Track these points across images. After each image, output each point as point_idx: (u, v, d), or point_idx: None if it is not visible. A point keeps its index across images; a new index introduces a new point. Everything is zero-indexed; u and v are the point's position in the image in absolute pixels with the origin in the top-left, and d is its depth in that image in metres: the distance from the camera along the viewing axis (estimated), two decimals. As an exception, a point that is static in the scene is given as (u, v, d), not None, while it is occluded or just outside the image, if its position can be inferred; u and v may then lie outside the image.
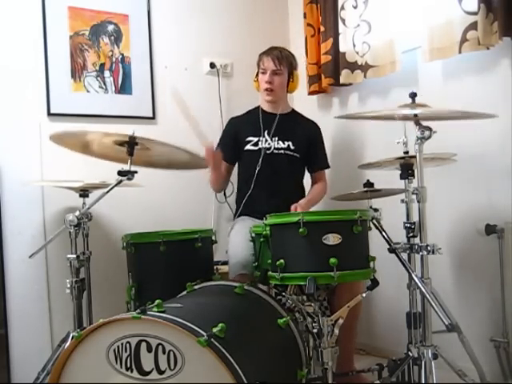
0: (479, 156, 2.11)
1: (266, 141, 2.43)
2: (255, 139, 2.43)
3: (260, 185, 2.39)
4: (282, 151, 2.42)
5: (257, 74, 2.50)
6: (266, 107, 2.50)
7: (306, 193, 2.53)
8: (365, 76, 2.51)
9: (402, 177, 1.90)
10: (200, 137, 2.13)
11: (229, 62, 2.94)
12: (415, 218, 1.76)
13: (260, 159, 2.38)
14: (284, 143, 2.43)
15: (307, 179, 2.56)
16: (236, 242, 2.19)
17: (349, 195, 1.98)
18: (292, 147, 2.43)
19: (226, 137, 2.52)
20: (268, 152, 2.41)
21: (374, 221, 1.77)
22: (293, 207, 2.15)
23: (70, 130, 1.79)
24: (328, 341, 1.58)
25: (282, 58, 2.41)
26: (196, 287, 1.82)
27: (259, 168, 2.38)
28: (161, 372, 1.29)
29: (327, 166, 2.55)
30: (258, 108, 2.53)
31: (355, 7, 2.57)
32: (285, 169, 2.42)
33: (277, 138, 2.43)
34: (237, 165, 2.53)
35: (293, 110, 2.58)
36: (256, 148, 2.42)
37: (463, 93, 2.18)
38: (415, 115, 1.68)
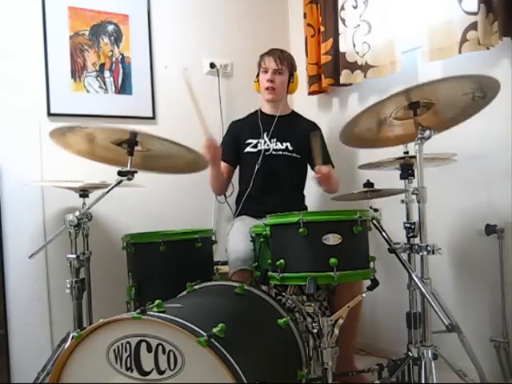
0: (479, 156, 2.11)
1: (265, 142, 2.44)
2: (254, 141, 2.45)
3: (259, 185, 2.40)
4: (281, 152, 2.43)
5: (257, 75, 2.51)
6: (266, 109, 2.51)
7: (306, 195, 2.54)
8: (365, 76, 2.51)
9: (402, 177, 1.90)
10: (204, 129, 2.13)
11: (229, 62, 2.93)
12: (415, 218, 1.75)
13: (259, 160, 2.39)
14: (282, 144, 2.44)
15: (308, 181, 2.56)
16: (235, 238, 2.20)
17: (349, 195, 1.98)
18: (290, 148, 2.44)
19: (227, 140, 2.54)
20: (267, 153, 2.42)
21: (374, 221, 1.77)
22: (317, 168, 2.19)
23: (70, 125, 1.79)
24: (328, 341, 1.58)
25: (284, 58, 2.44)
26: (196, 287, 1.81)
27: (258, 168, 2.39)
28: (161, 372, 1.29)
29: (330, 163, 2.49)
30: (257, 111, 2.54)
31: (355, 7, 2.56)
32: (284, 169, 2.43)
33: (275, 140, 2.44)
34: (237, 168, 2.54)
35: (292, 112, 2.59)
36: (255, 150, 2.43)
37: (463, 93, 2.17)
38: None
